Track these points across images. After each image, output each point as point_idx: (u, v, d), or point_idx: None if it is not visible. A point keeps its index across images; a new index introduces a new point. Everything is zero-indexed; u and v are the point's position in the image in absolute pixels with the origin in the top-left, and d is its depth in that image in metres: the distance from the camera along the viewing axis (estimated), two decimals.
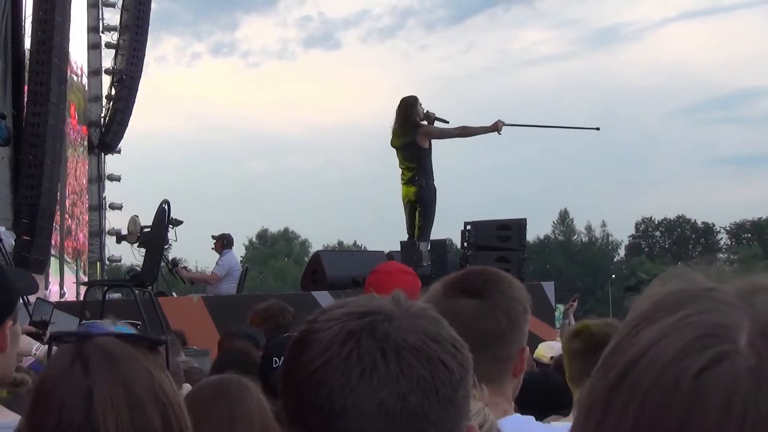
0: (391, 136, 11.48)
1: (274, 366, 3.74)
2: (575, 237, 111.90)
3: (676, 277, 0.90)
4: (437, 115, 11.58)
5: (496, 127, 11.44)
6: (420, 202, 11.34)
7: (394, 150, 11.51)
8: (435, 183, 11.48)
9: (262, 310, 6.56)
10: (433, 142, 11.52)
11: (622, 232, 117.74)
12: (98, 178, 21.77)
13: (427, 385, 1.36)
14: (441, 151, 11.85)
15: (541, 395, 4.26)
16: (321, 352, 1.38)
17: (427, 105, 11.60)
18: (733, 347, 0.79)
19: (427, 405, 1.36)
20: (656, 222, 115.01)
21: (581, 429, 0.85)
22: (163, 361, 1.84)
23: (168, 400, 1.75)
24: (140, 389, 1.73)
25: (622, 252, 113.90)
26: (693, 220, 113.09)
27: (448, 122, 11.65)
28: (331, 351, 1.37)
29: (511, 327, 2.38)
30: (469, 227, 11.77)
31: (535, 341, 7.19)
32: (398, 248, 11.49)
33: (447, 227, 13.64)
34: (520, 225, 11.94)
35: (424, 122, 11.43)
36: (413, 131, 11.26)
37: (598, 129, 12.65)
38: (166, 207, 9.48)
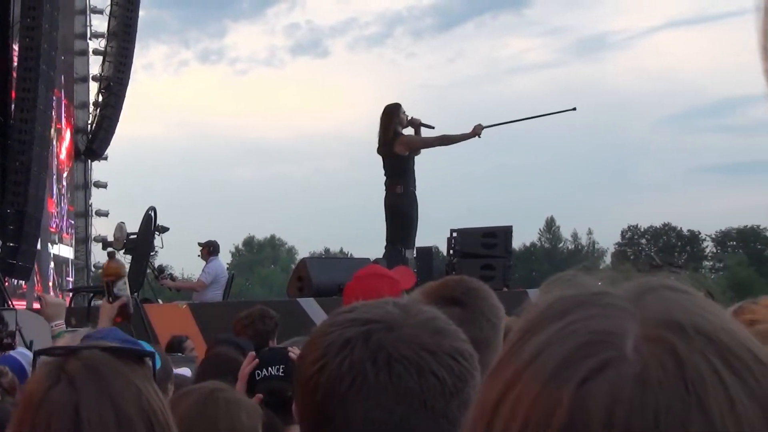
0: (377, 144, 11.52)
1: (257, 378, 3.73)
2: (561, 244, 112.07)
3: (565, 283, 0.85)
4: (423, 121, 11.58)
5: (476, 132, 11.36)
6: (399, 209, 11.35)
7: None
8: (417, 191, 11.46)
9: (244, 316, 6.55)
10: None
11: (608, 240, 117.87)
12: (85, 185, 21.73)
13: (416, 398, 1.35)
14: (429, 159, 11.85)
15: None
16: (318, 358, 1.38)
17: (414, 113, 11.58)
18: (617, 354, 0.74)
19: (414, 418, 1.35)
20: (642, 230, 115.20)
21: None
22: (149, 372, 1.83)
23: (155, 415, 1.74)
24: (127, 405, 1.72)
25: (608, 260, 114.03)
26: (679, 228, 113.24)
27: (433, 128, 11.63)
28: (326, 357, 1.38)
29: (494, 334, 2.41)
30: (454, 234, 11.79)
31: None
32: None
33: (434, 235, 13.67)
34: (505, 232, 11.97)
35: (408, 128, 11.43)
36: (393, 140, 11.27)
37: (575, 109, 12.45)
38: (153, 214, 9.50)
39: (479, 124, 11.41)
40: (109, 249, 7.61)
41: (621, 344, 0.75)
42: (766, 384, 0.75)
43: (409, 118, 11.47)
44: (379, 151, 11.45)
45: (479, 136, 11.40)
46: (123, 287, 4.98)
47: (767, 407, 0.74)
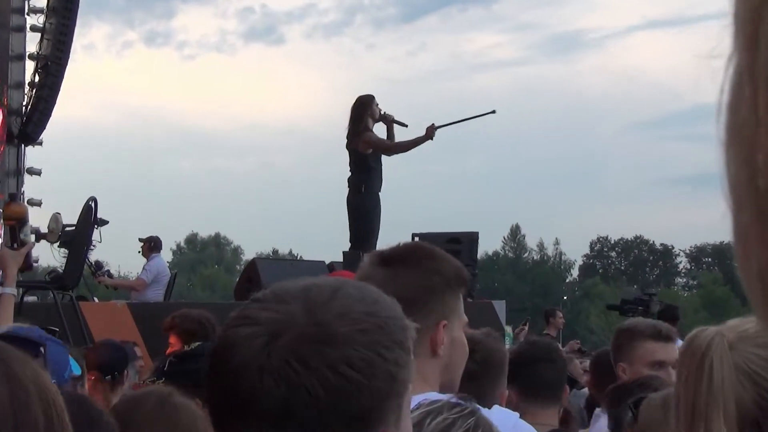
0: (345, 140, 11.29)
1: None
2: (526, 254, 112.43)
3: None
4: (396, 118, 11.41)
5: (429, 135, 11.20)
6: (359, 209, 11.26)
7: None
8: (381, 192, 11.34)
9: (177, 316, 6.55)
10: None
11: (576, 252, 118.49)
12: (17, 172, 21.52)
13: (281, 411, 1.41)
14: (394, 160, 11.71)
15: None
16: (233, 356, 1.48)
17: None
18: None
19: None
20: (612, 242, 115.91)
21: None
22: (42, 362, 1.86)
23: (52, 398, 1.77)
24: (26, 380, 1.74)
25: (575, 272, 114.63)
26: (651, 242, 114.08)
27: (407, 126, 11.46)
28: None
29: (422, 296, 2.51)
30: (416, 239, 11.76)
31: None
32: (340, 258, 11.43)
33: (396, 239, 13.66)
34: (471, 239, 11.97)
35: (380, 124, 11.29)
36: (358, 136, 11.12)
37: (494, 112, 12.07)
38: (93, 205, 9.41)
39: (432, 125, 11.27)
40: (11, 191, 7.46)
41: None
42: None
43: (382, 112, 11.32)
44: (348, 145, 11.27)
45: (432, 139, 11.23)
46: (29, 233, 4.90)
47: None
